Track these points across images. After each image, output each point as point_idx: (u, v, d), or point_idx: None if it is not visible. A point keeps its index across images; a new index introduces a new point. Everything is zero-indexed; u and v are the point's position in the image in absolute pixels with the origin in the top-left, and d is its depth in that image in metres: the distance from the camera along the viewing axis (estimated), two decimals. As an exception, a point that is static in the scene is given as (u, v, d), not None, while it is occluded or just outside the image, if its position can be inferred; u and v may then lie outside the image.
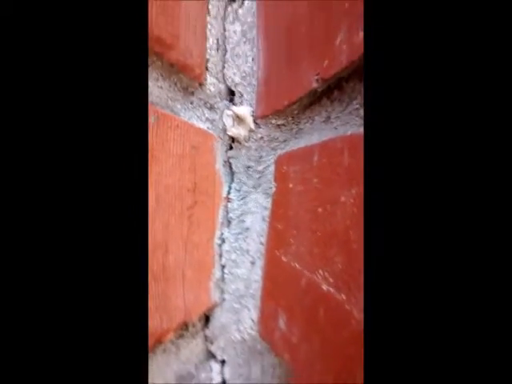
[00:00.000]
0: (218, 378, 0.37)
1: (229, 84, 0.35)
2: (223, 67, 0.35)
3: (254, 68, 0.33)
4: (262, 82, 0.33)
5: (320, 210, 0.29)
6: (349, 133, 0.27)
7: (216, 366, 0.37)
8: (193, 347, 0.38)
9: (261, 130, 0.34)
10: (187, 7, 0.32)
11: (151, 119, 0.31)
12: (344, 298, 0.26)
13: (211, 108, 0.35)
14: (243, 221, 0.35)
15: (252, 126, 0.33)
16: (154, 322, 0.32)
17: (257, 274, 0.34)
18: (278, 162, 0.33)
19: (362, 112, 0.26)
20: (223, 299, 0.37)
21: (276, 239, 0.33)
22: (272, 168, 0.34)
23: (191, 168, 0.35)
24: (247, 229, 0.35)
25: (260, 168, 0.34)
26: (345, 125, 0.28)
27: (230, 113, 0.35)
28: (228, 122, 0.35)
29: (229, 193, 0.38)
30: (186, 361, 0.37)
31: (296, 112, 0.32)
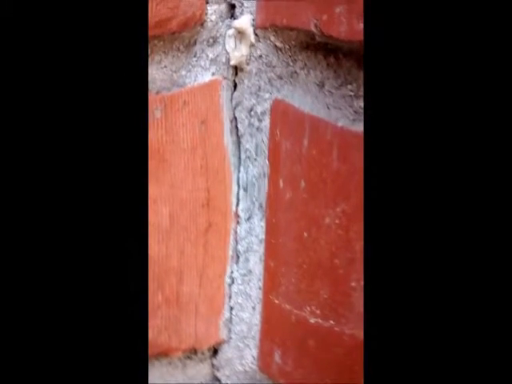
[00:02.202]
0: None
1: None
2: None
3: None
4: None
5: (305, 234, 0.28)
6: (340, 124, 0.26)
7: (221, 389, 0.40)
8: (200, 369, 0.40)
9: (260, 44, 0.33)
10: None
11: (157, 114, 0.30)
12: (332, 323, 0.27)
13: (214, 42, 0.35)
14: (248, 260, 0.37)
15: (252, 38, 0.33)
16: (161, 338, 0.34)
17: (257, 319, 0.36)
18: (273, 113, 0.33)
19: (355, 103, 0.25)
20: (230, 337, 0.40)
21: (270, 281, 0.34)
22: (267, 121, 0.33)
23: (203, 165, 0.34)
24: (250, 271, 0.37)
25: (259, 111, 0.34)
26: (337, 109, 0.26)
27: (231, 32, 0.34)
28: (230, 44, 0.35)
29: (238, 200, 0.37)
30: (192, 377, 0.39)
31: (293, 43, 0.31)
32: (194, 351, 0.38)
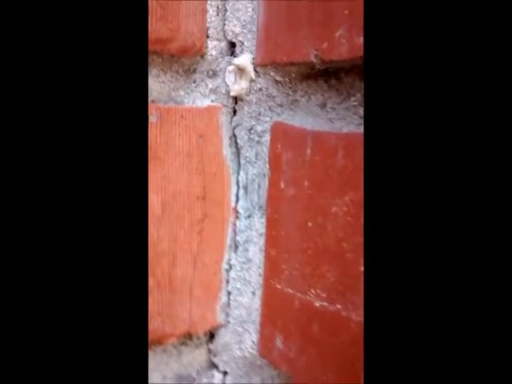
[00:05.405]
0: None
1: (229, 38, 0.35)
2: (223, 25, 0.35)
3: (255, 16, 0.33)
4: (262, 28, 0.32)
5: (310, 224, 0.28)
6: (344, 130, 0.26)
7: (218, 375, 0.38)
8: (196, 356, 0.39)
9: (260, 79, 0.34)
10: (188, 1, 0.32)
11: (153, 119, 0.31)
12: (339, 307, 0.26)
13: (214, 75, 0.35)
14: (247, 250, 0.36)
15: (252, 74, 0.34)
16: (155, 324, 0.33)
17: (257, 304, 0.35)
18: (274, 132, 0.33)
19: (360, 110, 0.25)
20: (228, 322, 0.39)
21: (271, 268, 0.33)
22: (268, 137, 0.34)
23: (199, 167, 0.35)
24: (250, 260, 0.36)
25: (259, 129, 0.35)
26: (341, 120, 0.27)
27: (231, 68, 0.35)
28: (230, 79, 0.36)
29: (237, 197, 0.38)
30: (187, 364, 0.38)
31: (293, 76, 0.31)
32: (189, 336, 0.37)
